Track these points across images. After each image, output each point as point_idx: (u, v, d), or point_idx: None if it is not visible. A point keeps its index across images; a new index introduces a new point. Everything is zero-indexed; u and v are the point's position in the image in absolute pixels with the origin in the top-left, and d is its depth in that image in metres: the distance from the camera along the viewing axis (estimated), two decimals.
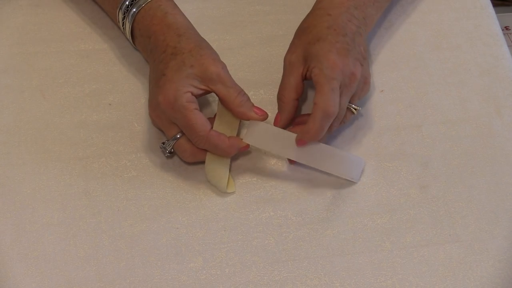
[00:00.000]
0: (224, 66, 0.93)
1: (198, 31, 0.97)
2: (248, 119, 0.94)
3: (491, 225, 0.94)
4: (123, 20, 0.98)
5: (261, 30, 1.06)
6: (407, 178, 0.97)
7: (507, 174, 0.97)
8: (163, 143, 0.95)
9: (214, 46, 0.96)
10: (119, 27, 1.00)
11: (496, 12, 1.10)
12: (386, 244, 0.93)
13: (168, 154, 0.95)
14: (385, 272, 0.91)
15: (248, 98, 0.94)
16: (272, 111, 0.98)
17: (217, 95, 0.93)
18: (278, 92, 0.96)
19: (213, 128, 0.94)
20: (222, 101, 0.94)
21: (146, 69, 1.02)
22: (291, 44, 0.97)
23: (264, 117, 0.94)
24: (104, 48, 1.04)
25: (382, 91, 1.03)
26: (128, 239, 0.92)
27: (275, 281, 0.91)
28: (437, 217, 0.95)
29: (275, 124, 0.95)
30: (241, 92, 0.94)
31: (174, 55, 0.93)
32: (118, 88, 1.01)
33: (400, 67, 1.05)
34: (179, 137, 0.93)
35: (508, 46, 1.08)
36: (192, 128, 0.91)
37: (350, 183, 0.96)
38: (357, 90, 0.96)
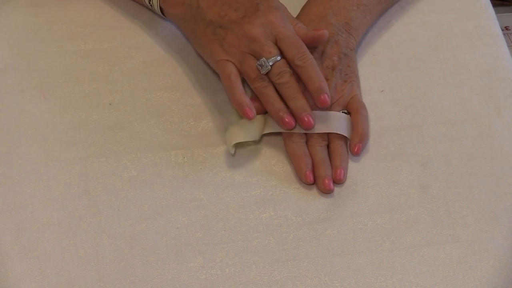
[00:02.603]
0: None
1: None
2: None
3: (491, 225, 0.94)
4: None
5: None
6: (407, 178, 0.97)
7: (507, 174, 0.97)
8: (262, 61, 0.94)
9: None
10: None
11: (496, 12, 1.10)
12: (386, 244, 0.93)
13: (268, 69, 0.94)
14: (385, 272, 0.91)
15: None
16: None
17: None
18: None
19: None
20: None
21: (145, 69, 1.02)
22: None
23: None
24: (104, 48, 1.04)
25: (382, 91, 1.03)
26: (128, 239, 0.92)
27: (275, 281, 0.91)
28: (437, 217, 0.95)
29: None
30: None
31: None
32: (118, 88, 1.01)
33: (400, 67, 1.05)
34: (280, 59, 0.94)
35: (508, 46, 1.08)
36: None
37: (350, 183, 0.96)
38: (333, 99, 0.98)
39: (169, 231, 0.93)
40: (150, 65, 1.03)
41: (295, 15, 1.03)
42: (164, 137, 0.98)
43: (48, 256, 0.90)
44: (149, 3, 1.00)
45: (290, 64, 0.95)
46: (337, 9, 1.01)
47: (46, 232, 0.92)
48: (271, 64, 0.93)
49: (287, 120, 0.95)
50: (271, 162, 0.98)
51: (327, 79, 0.98)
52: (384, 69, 1.05)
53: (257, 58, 0.94)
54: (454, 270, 0.92)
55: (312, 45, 0.97)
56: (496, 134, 1.00)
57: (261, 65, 0.93)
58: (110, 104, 1.00)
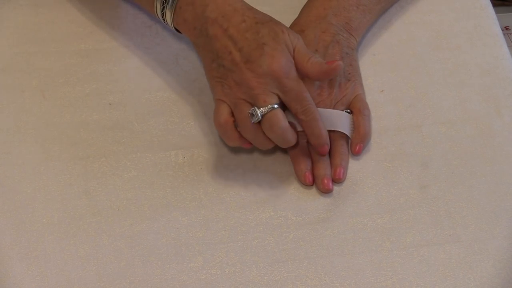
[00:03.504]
0: (301, 38, 0.94)
1: None
2: (324, 74, 0.93)
3: (491, 225, 0.94)
4: None
5: None
6: (407, 178, 0.97)
7: (507, 174, 0.97)
8: (254, 109, 0.91)
9: None
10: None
11: (496, 12, 1.10)
12: (386, 244, 0.93)
13: (258, 119, 0.91)
14: (385, 272, 0.91)
15: (319, 57, 0.94)
16: None
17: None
18: None
19: None
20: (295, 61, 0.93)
21: (146, 69, 1.02)
22: None
23: (339, 65, 0.93)
24: (104, 48, 1.04)
25: (382, 91, 1.03)
26: (128, 239, 0.92)
27: (275, 281, 0.91)
28: (437, 217, 0.95)
29: None
30: (313, 55, 0.94)
31: (260, 23, 0.92)
32: (118, 88, 1.01)
33: (400, 67, 1.05)
34: (276, 107, 0.91)
35: (508, 46, 1.08)
36: (305, 98, 0.92)
37: (350, 183, 0.96)
38: (337, 98, 0.99)
39: (169, 231, 0.93)
40: (150, 65, 1.03)
41: (295, 16, 1.03)
42: (164, 137, 0.98)
43: (48, 256, 0.90)
44: (164, 21, 0.97)
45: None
46: (337, 9, 1.01)
47: (46, 232, 0.92)
48: (262, 114, 0.90)
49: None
50: (271, 162, 0.98)
51: (331, 78, 0.98)
52: (384, 69, 1.05)
53: (252, 105, 0.91)
54: (454, 270, 0.92)
55: (327, 78, 0.95)
56: (496, 134, 1.00)
57: (252, 114, 0.91)
58: (110, 104, 1.00)
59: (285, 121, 0.91)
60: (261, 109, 0.90)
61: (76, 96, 1.00)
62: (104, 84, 1.01)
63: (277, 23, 0.93)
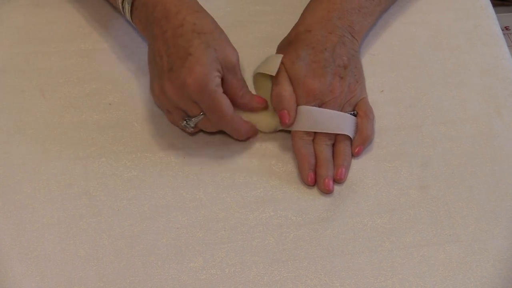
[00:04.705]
0: (238, 56, 0.95)
1: None
2: (250, 109, 0.98)
3: (491, 225, 0.94)
4: None
5: (261, 30, 1.06)
6: (407, 178, 0.97)
7: (507, 174, 0.98)
8: (186, 120, 0.94)
9: None
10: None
11: (496, 12, 1.10)
12: (386, 244, 0.93)
13: (192, 129, 0.95)
14: (385, 272, 0.91)
15: (249, 90, 0.97)
16: None
17: (224, 82, 0.94)
18: (275, 91, 0.98)
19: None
20: (227, 90, 0.94)
21: (146, 69, 1.02)
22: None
23: (265, 105, 0.98)
24: (104, 48, 1.04)
25: (382, 91, 1.03)
26: (128, 239, 0.92)
27: (275, 281, 0.91)
28: (437, 217, 0.95)
29: (284, 122, 0.97)
30: (245, 84, 0.97)
31: (196, 33, 0.92)
32: (118, 88, 1.01)
33: (400, 67, 1.05)
34: (203, 116, 0.94)
35: (508, 46, 1.08)
36: (219, 111, 0.93)
37: (350, 183, 0.96)
38: (347, 97, 0.99)
39: (169, 231, 0.93)
40: None
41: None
42: (164, 137, 0.98)
43: (48, 256, 0.90)
44: (126, 16, 0.99)
45: None
46: (341, 12, 1.01)
47: (46, 232, 0.92)
48: (195, 123, 0.95)
49: None
50: (271, 162, 0.98)
51: (341, 77, 0.98)
52: (384, 69, 1.05)
53: (184, 113, 0.94)
54: (454, 270, 0.92)
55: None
56: (496, 134, 1.00)
57: (186, 126, 0.95)
58: (110, 104, 1.00)
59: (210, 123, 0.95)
60: (193, 119, 0.94)
61: (76, 96, 1.00)
62: (104, 84, 1.01)
63: (216, 38, 0.93)
